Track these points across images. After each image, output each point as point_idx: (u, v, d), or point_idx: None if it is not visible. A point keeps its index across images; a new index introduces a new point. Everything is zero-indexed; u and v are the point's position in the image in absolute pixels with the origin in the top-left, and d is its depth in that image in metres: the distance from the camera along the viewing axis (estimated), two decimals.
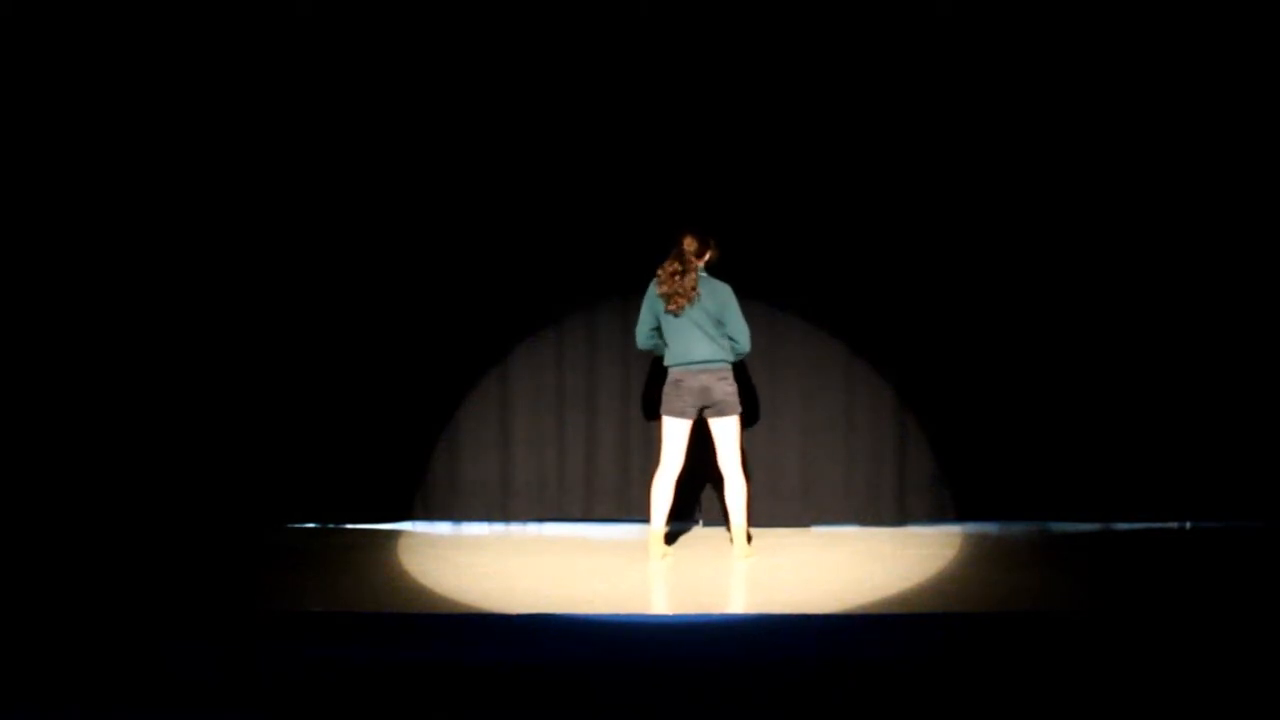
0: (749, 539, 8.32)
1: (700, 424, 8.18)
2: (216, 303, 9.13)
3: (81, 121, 9.06)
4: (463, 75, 9.11)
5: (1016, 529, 9.12)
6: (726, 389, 8.07)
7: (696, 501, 9.17)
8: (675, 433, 8.12)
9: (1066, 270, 9.07)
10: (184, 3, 9.01)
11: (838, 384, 9.17)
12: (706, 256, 8.20)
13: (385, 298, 9.16)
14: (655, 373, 8.80)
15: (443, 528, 9.28)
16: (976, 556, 8.33)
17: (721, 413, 8.09)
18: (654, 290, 8.14)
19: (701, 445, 8.28)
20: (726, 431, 8.12)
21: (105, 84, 9.03)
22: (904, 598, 7.23)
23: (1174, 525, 9.11)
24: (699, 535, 8.97)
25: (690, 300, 8.03)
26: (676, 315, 8.06)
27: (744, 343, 8.14)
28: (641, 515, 8.55)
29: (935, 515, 9.18)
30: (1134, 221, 9.06)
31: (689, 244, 8.12)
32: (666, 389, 8.14)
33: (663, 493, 8.14)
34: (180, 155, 9.10)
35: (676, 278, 8.05)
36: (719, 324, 8.07)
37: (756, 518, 8.71)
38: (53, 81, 9.02)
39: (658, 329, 8.19)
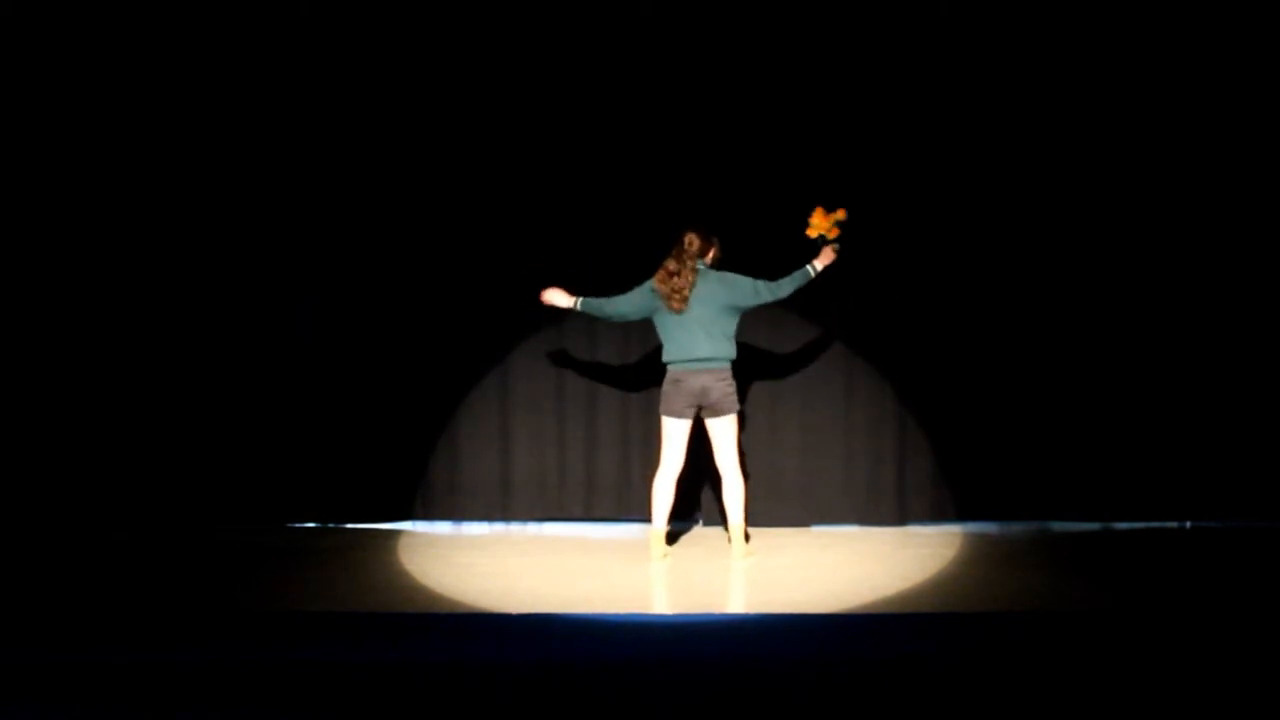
0: (747, 538, 8.32)
1: (700, 422, 8.17)
2: (216, 303, 9.13)
3: (81, 121, 9.05)
4: (464, 76, 9.11)
5: (1016, 529, 9.13)
6: (725, 389, 8.05)
7: (696, 501, 9.17)
8: (674, 433, 8.11)
9: (1066, 271, 9.08)
10: (184, 3, 9.02)
11: (838, 384, 9.18)
12: (710, 255, 8.18)
13: (386, 298, 9.16)
14: (656, 372, 8.81)
15: (443, 528, 9.28)
16: (976, 556, 8.33)
17: (718, 412, 8.08)
18: (651, 285, 8.12)
19: (701, 444, 8.27)
20: (724, 431, 8.11)
21: (105, 84, 9.03)
22: (904, 598, 7.23)
23: (1174, 525, 9.12)
24: (699, 535, 8.97)
25: (684, 299, 8.02)
26: (676, 314, 8.05)
27: (785, 292, 8.08)
28: (641, 515, 8.56)
29: (935, 515, 9.18)
30: (1134, 221, 9.07)
31: (690, 241, 8.10)
32: (665, 388, 8.13)
33: (663, 493, 8.14)
34: (180, 156, 9.10)
35: (674, 277, 8.04)
36: (727, 314, 8.04)
37: (756, 518, 8.71)
38: (53, 81, 9.02)
39: (623, 316, 8.23)
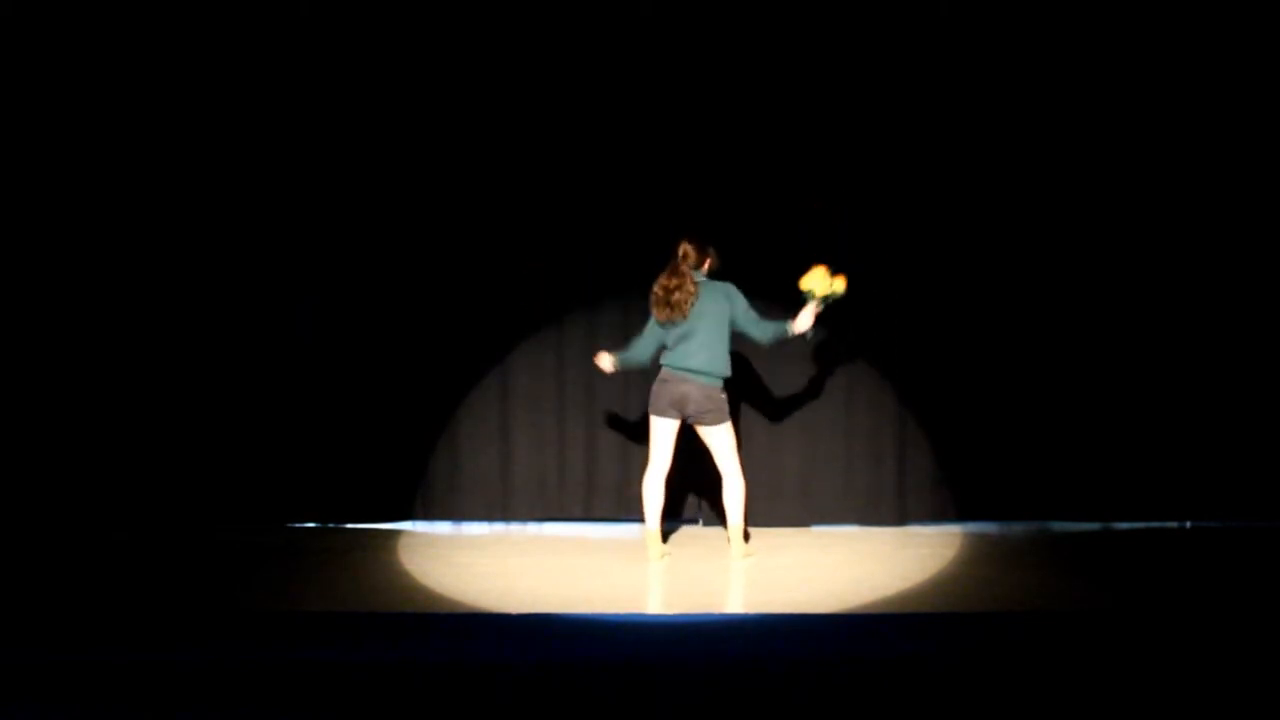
0: (747, 538, 8.31)
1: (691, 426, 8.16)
2: (217, 303, 9.12)
3: (81, 121, 9.04)
4: (464, 76, 9.11)
5: (1016, 529, 9.13)
6: (705, 403, 7.98)
7: (696, 501, 9.17)
8: (660, 431, 8.10)
9: (1066, 271, 9.07)
10: (184, 3, 9.02)
11: (838, 384, 9.17)
12: (706, 265, 8.15)
13: (386, 297, 9.15)
14: (656, 373, 8.84)
15: (443, 528, 9.28)
16: (976, 556, 8.34)
17: (703, 422, 8.05)
18: (653, 320, 8.10)
19: (700, 444, 8.26)
20: (714, 439, 8.09)
21: (105, 84, 9.02)
22: (904, 598, 7.23)
23: (1174, 525, 9.12)
24: (698, 535, 8.97)
25: (684, 313, 8.00)
26: (673, 325, 8.03)
27: (763, 334, 8.06)
28: (640, 515, 8.55)
29: (935, 515, 9.18)
30: (1133, 222, 9.07)
31: (685, 253, 8.07)
32: (654, 386, 8.13)
33: (653, 492, 8.13)
34: (180, 156, 9.08)
35: (674, 293, 8.02)
36: (725, 327, 8.01)
37: (756, 518, 8.71)
38: (53, 81, 9.01)
39: (651, 356, 8.17)
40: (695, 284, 8.03)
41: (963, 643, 6.42)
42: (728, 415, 8.09)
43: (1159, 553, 8.49)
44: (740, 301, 8.05)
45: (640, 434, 9.10)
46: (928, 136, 9.07)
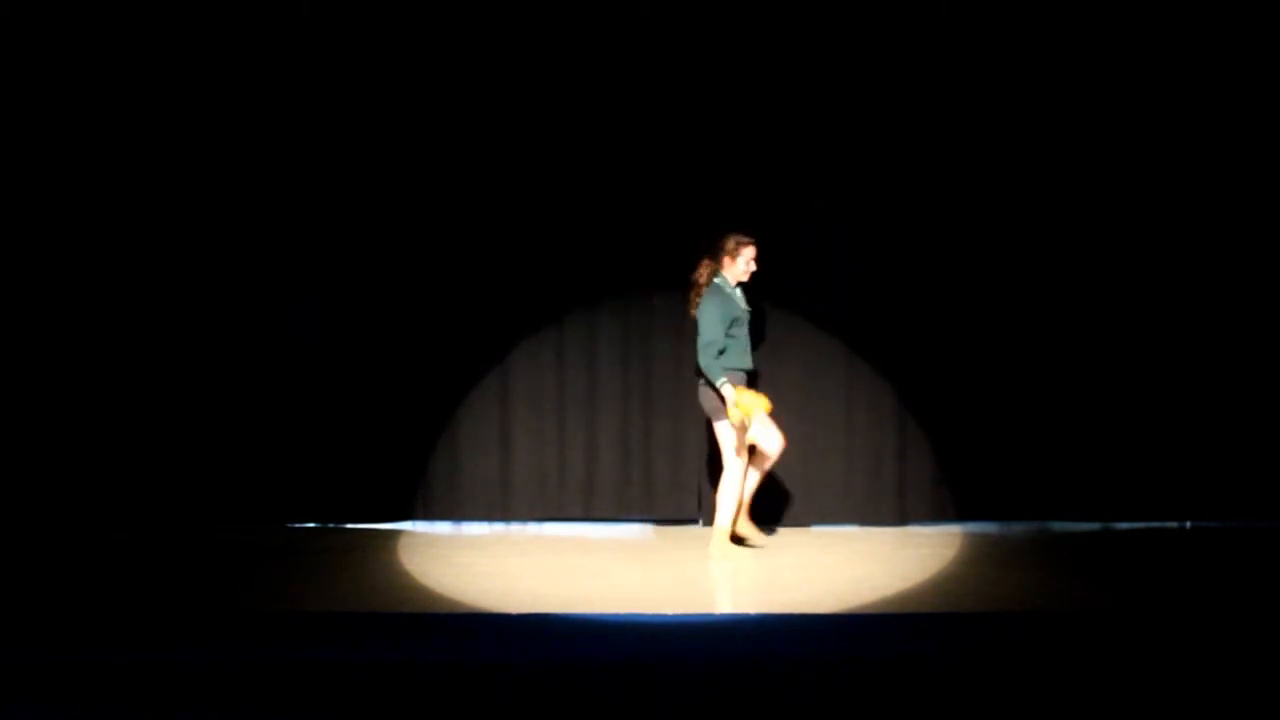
0: (732, 539, 8.23)
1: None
2: (217, 303, 9.13)
3: (81, 121, 9.05)
4: (464, 76, 9.11)
5: (1016, 529, 9.13)
6: (705, 400, 8.06)
7: (698, 501, 9.17)
8: (720, 434, 8.13)
9: (1066, 271, 9.08)
10: (184, 3, 9.02)
11: (838, 384, 9.17)
12: (723, 264, 8.14)
13: (386, 298, 9.16)
14: (656, 372, 8.88)
15: (443, 528, 9.28)
16: (976, 556, 8.34)
17: (714, 418, 8.09)
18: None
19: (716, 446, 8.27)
20: (718, 435, 8.11)
21: (105, 84, 9.03)
22: (904, 598, 7.23)
23: (1174, 525, 9.12)
24: (699, 535, 8.96)
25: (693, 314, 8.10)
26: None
27: (700, 353, 8.00)
28: (640, 514, 8.56)
29: (935, 515, 9.18)
30: (1133, 222, 9.07)
31: (722, 245, 8.13)
32: None
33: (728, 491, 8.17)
34: (180, 156, 9.09)
35: (691, 290, 8.12)
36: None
37: (756, 518, 8.71)
38: (53, 81, 9.01)
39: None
40: (702, 287, 8.09)
41: (963, 643, 6.42)
42: (723, 416, 8.04)
43: (1159, 553, 8.49)
44: (708, 311, 8.00)
45: (640, 434, 9.13)
46: (928, 137, 9.08)
